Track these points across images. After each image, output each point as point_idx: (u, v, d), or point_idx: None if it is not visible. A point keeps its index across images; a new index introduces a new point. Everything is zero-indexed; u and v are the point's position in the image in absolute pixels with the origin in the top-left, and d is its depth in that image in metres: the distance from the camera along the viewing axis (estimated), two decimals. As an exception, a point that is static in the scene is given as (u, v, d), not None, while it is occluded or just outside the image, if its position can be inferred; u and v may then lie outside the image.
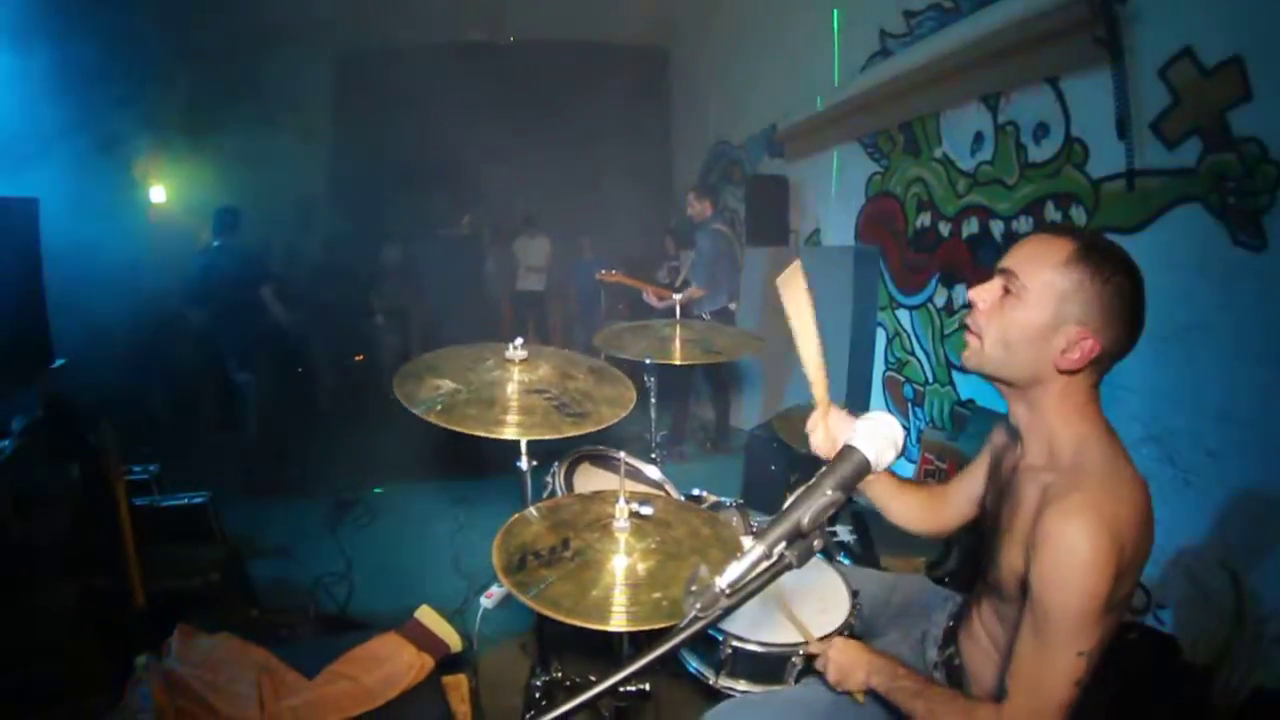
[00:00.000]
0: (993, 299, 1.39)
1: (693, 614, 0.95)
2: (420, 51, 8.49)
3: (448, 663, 2.26)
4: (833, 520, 2.81)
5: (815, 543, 1.05)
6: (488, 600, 2.44)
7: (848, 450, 1.13)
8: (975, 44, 3.89)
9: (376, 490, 4.95)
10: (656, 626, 1.44)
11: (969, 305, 1.44)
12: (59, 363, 4.07)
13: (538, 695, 2.37)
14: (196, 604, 2.86)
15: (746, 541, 0.98)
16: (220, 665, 2.03)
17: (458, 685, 2.21)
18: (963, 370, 4.16)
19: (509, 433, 1.77)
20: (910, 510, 1.85)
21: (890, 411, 3.39)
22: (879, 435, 1.14)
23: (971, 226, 4.09)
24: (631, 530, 1.66)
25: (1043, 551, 1.27)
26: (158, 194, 6.54)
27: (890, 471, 1.78)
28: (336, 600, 3.60)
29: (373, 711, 1.97)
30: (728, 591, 0.95)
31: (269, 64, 7.66)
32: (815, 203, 5.98)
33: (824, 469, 1.10)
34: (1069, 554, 1.23)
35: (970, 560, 2.63)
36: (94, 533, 3.19)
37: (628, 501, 1.67)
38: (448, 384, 1.88)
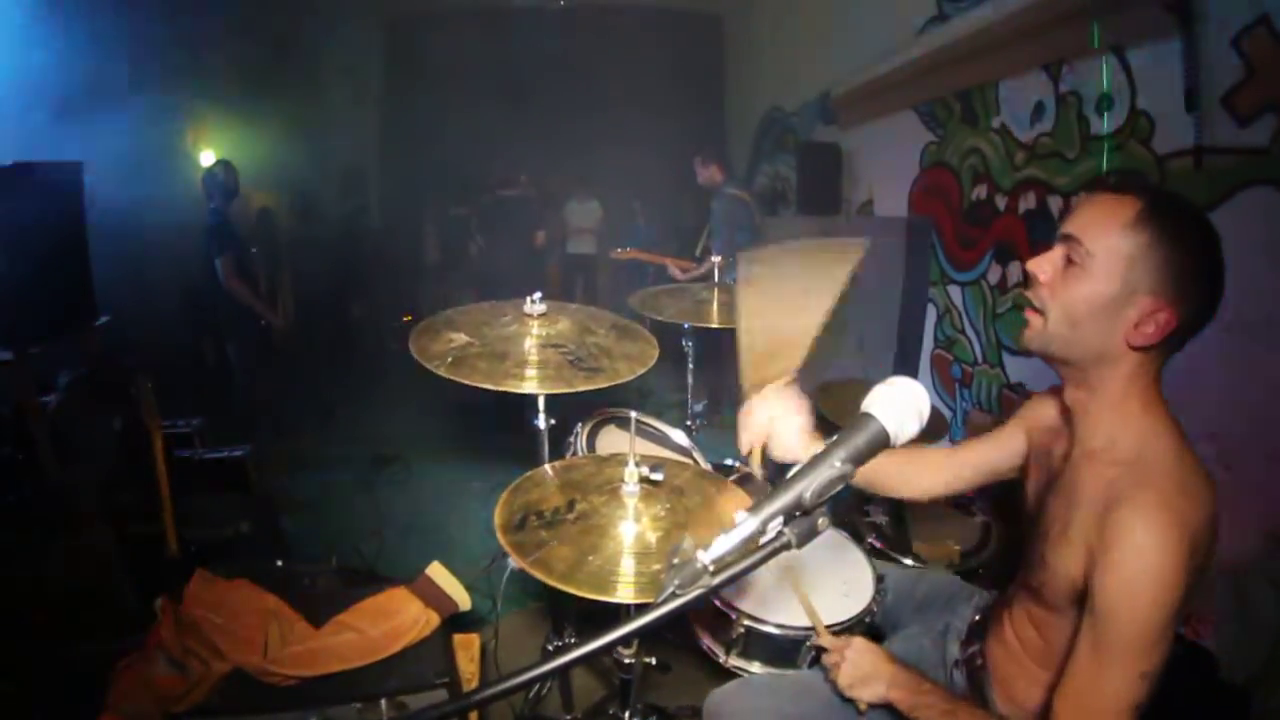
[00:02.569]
0: (1054, 270, 1.26)
1: (670, 589, 0.86)
2: (470, 16, 8.46)
3: (465, 621, 2.25)
4: (866, 500, 2.73)
5: (819, 521, 0.95)
6: (514, 561, 2.42)
7: (864, 418, 1.00)
8: (1036, 8, 3.68)
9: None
10: (648, 600, 1.38)
11: (1026, 278, 1.30)
12: (103, 319, 4.18)
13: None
14: (227, 554, 2.93)
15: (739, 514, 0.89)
16: (232, 609, 2.06)
17: (468, 644, 2.21)
18: (1014, 351, 4.01)
19: (520, 386, 1.73)
20: (879, 469, 1.67)
21: (935, 391, 3.26)
22: (900, 402, 1.01)
23: (1029, 201, 3.89)
24: (641, 496, 1.59)
25: (1111, 557, 1.14)
26: (207, 157, 6.62)
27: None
28: (365, 556, 3.63)
29: (376, 663, 1.97)
30: (711, 569, 0.86)
31: (319, 29, 7.73)
32: (868, 172, 5.78)
33: (835, 437, 0.99)
34: (1142, 560, 1.11)
35: (1007, 554, 2.51)
36: (132, 482, 3.29)
37: (638, 465, 1.60)
38: (460, 337, 1.85)
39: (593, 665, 2.67)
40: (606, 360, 1.84)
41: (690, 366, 3.15)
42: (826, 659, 1.54)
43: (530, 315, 1.95)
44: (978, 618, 1.68)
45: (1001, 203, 4.12)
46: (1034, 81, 3.80)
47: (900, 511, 2.76)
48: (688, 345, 3.06)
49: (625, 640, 0.87)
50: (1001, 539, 2.59)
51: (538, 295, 1.98)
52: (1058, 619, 1.30)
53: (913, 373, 4.86)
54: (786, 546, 0.91)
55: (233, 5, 6.04)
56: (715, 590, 0.87)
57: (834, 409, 2.85)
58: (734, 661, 1.87)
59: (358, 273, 7.86)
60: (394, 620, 2.02)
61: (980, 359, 4.33)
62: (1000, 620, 1.52)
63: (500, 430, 4.75)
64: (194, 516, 3.00)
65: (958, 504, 2.77)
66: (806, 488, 0.92)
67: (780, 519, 0.91)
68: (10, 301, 3.47)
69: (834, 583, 1.96)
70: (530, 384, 1.73)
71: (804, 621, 1.77)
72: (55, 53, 4.15)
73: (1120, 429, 1.24)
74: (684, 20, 9.04)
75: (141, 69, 4.98)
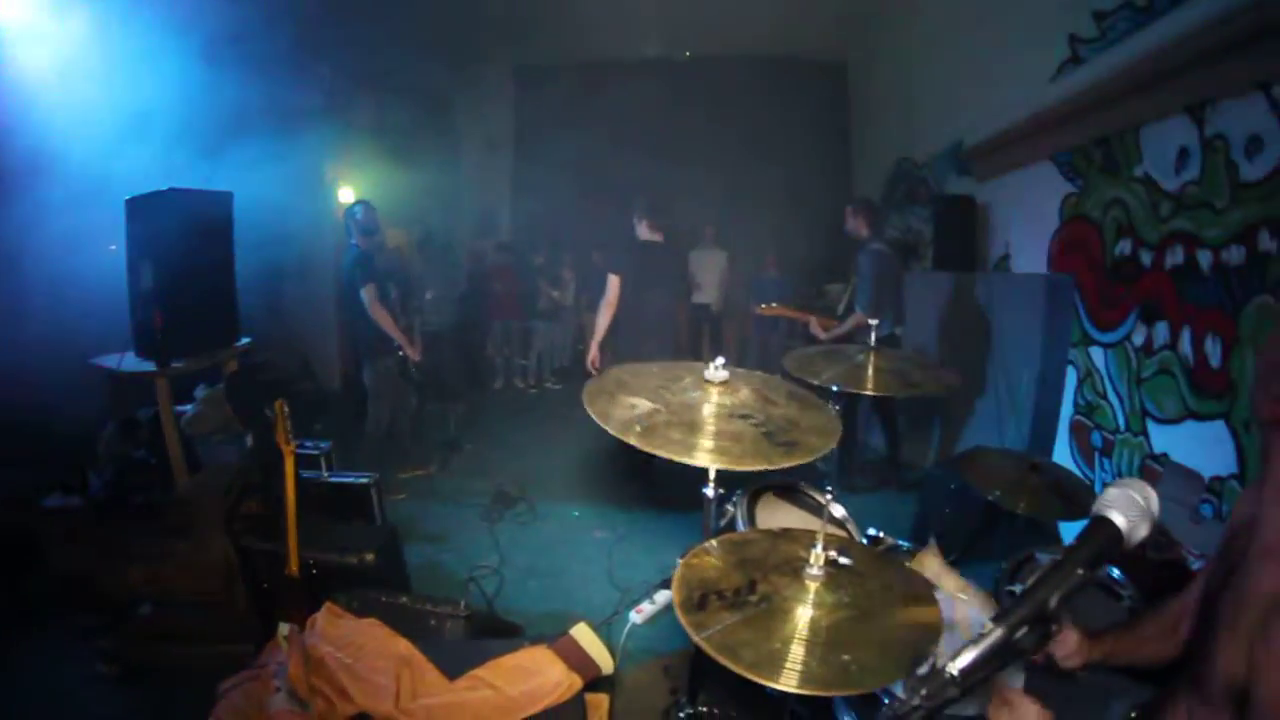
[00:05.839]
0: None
1: (917, 700, 0.85)
2: (598, 65, 8.74)
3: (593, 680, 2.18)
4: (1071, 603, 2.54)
5: (1052, 627, 0.96)
6: (638, 616, 2.36)
7: (1099, 521, 1.01)
8: (1175, 46, 3.51)
9: (574, 513, 4.84)
10: (836, 692, 1.29)
11: None
12: (245, 340, 4.36)
13: (678, 724, 2.26)
14: (348, 581, 2.94)
15: (972, 616, 0.83)
16: (362, 651, 2.05)
17: (599, 705, 2.14)
18: (1159, 419, 3.74)
19: (716, 460, 1.64)
20: (1151, 648, 1.58)
21: (1074, 460, 3.03)
22: (1132, 504, 1.01)
23: (1176, 256, 3.63)
24: (824, 579, 1.48)
25: (1273, 660, 1.06)
26: (346, 194, 6.97)
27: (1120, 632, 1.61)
28: (485, 595, 3.64)
29: (509, 724, 1.91)
30: (959, 679, 0.86)
31: (453, 77, 8.05)
32: (1005, 225, 5.58)
33: (1072, 543, 0.99)
34: None
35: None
36: (259, 498, 3.38)
37: (825, 548, 1.49)
38: (644, 403, 1.78)
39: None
40: (798, 433, 1.74)
41: None
42: (992, 712, 1.40)
43: (712, 382, 1.85)
44: (1134, 715, 1.55)
45: (1147, 258, 3.88)
46: (1177, 125, 3.60)
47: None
48: (835, 409, 2.94)
49: None
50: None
51: (721, 361, 1.89)
52: (1219, 718, 1.19)
53: (1050, 439, 4.61)
54: (1023, 653, 0.92)
55: (368, 55, 6.32)
56: (956, 701, 0.87)
57: (977, 479, 2.68)
58: None
59: (487, 312, 8.13)
60: (534, 681, 1.97)
61: (1123, 426, 4.06)
62: (1164, 715, 1.39)
63: (628, 481, 4.75)
64: (317, 539, 3.04)
65: (1106, 587, 2.55)
66: (1051, 596, 0.93)
67: (1025, 627, 0.92)
68: (157, 317, 3.67)
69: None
70: (727, 459, 1.63)
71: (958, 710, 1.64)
72: (207, 90, 4.41)
73: None
74: (809, 70, 9.08)
75: (282, 111, 5.26)
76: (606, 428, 1.71)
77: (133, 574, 3.18)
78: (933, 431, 5.79)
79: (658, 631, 2.73)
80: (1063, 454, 4.54)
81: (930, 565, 1.85)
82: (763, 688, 1.82)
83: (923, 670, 0.86)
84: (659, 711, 2.48)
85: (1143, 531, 1.02)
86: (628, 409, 1.78)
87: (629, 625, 2.41)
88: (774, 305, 5.27)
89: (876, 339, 4.17)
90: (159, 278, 3.69)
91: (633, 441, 1.66)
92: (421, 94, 7.64)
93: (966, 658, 0.86)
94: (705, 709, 2.26)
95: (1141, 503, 1.02)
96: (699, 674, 2.27)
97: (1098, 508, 1.02)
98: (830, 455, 3.07)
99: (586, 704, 2.06)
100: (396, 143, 7.02)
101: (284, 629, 2.15)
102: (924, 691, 0.85)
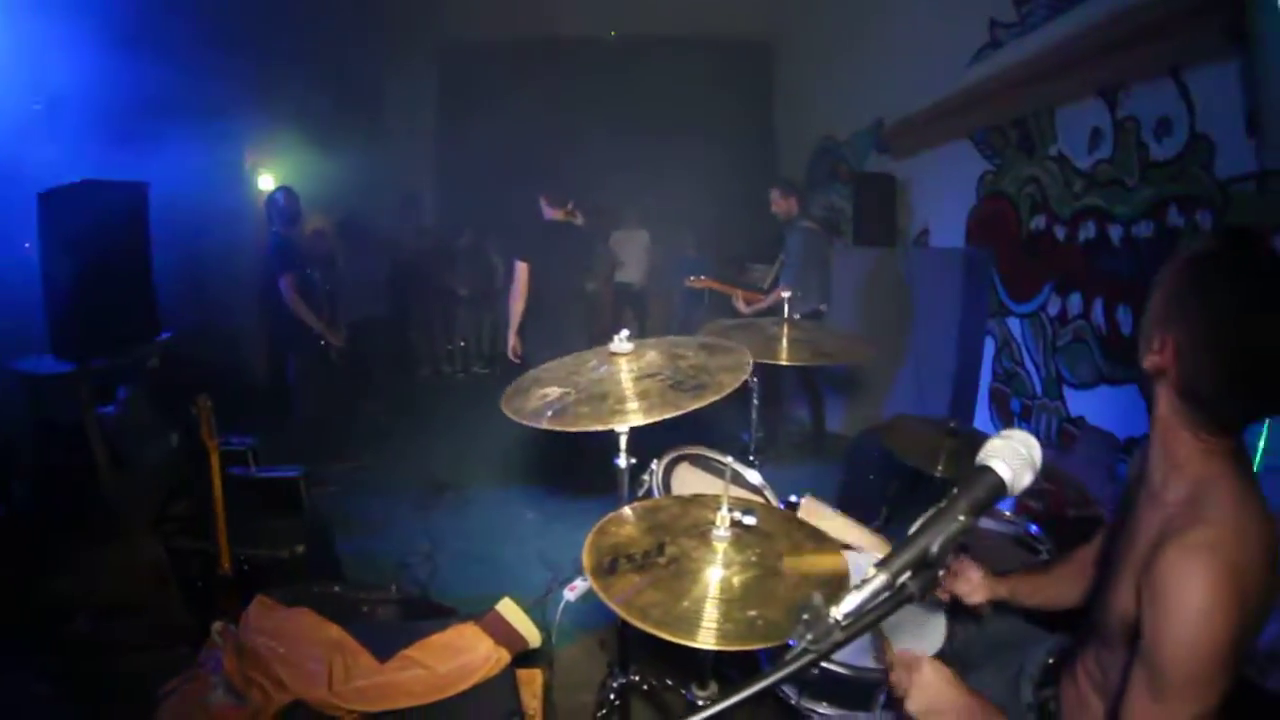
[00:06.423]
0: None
1: (803, 645, 0.86)
2: (521, 47, 8.57)
3: (523, 656, 2.21)
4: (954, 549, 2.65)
5: (940, 573, 0.97)
6: (570, 593, 2.38)
7: (982, 470, 1.02)
8: (1090, 33, 3.66)
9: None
10: (750, 647, 1.35)
11: None
12: (165, 335, 4.25)
13: (612, 696, 2.31)
14: (281, 575, 2.92)
15: (857, 564, 0.87)
16: (294, 639, 2.04)
17: (531, 680, 2.16)
18: (1074, 385, 3.93)
19: (628, 420, 1.68)
20: (1060, 589, 1.74)
21: (994, 426, 3.17)
22: (1016, 454, 1.03)
23: (1088, 230, 3.82)
24: (731, 540, 1.55)
25: (1155, 596, 1.13)
26: (266, 181, 6.79)
27: (1027, 573, 1.75)
28: (419, 581, 3.63)
29: (443, 701, 1.94)
30: (844, 623, 0.87)
31: (374, 59, 7.88)
32: (924, 202, 5.74)
33: (954, 491, 1.00)
34: (1186, 602, 1.10)
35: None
36: (187, 498, 3.31)
37: (730, 509, 1.56)
38: (554, 391, 1.82)
39: (655, 704, 2.62)
40: (707, 376, 1.80)
41: (755, 403, 3.09)
42: (894, 679, 1.46)
43: (618, 354, 1.90)
44: (1051, 660, 1.65)
45: (1061, 232, 4.05)
46: (1091, 107, 3.76)
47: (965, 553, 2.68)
48: (753, 381, 3.01)
49: (763, 693, 0.87)
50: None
51: (624, 333, 1.93)
52: (1118, 656, 1.28)
53: (970, 406, 4.77)
54: (909, 599, 0.93)
55: (291, 36, 6.16)
56: (844, 644, 0.88)
57: (898, 445, 2.78)
58: (805, 703, 1.86)
59: (411, 297, 8.00)
60: (463, 657, 1.99)
61: (1039, 392, 4.24)
62: (1073, 664, 1.49)
63: (555, 462, 4.77)
64: (247, 535, 3.00)
65: (1024, 543, 2.68)
66: (932, 542, 0.94)
67: (908, 572, 0.94)
68: (74, 314, 3.54)
69: (906, 626, 1.91)
70: (637, 416, 1.68)
71: (876, 664, 1.73)
72: (121, 77, 4.25)
73: (1172, 471, 1.25)
74: (733, 50, 9.08)
75: (203, 97, 5.09)
76: (522, 422, 1.75)
77: (63, 585, 3.09)
78: (858, 402, 5.95)
79: (592, 608, 2.75)
80: (983, 420, 4.71)
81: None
82: (692, 653, 1.89)
83: (807, 617, 0.87)
84: (595, 684, 2.52)
85: (1025, 480, 1.04)
86: (539, 400, 1.82)
87: (563, 603, 2.43)
88: (702, 278, 5.33)
89: (801, 315, 4.26)
90: (75, 274, 3.56)
91: (546, 426, 1.70)
92: (344, 77, 7.45)
93: (850, 603, 0.88)
94: (637, 678, 2.32)
95: (1024, 453, 1.03)
96: (628, 644, 2.32)
97: (981, 457, 1.04)
98: (757, 427, 3.18)
99: (519, 679, 2.08)
100: (318, 127, 6.82)
101: (217, 625, 2.14)
102: (809, 637, 0.86)
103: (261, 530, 3.16)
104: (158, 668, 2.46)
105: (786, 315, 2.80)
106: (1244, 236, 1.23)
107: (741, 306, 5.23)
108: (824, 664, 1.76)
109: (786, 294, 2.86)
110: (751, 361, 1.92)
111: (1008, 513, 2.81)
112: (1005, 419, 4.55)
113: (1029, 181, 4.35)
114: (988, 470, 1.02)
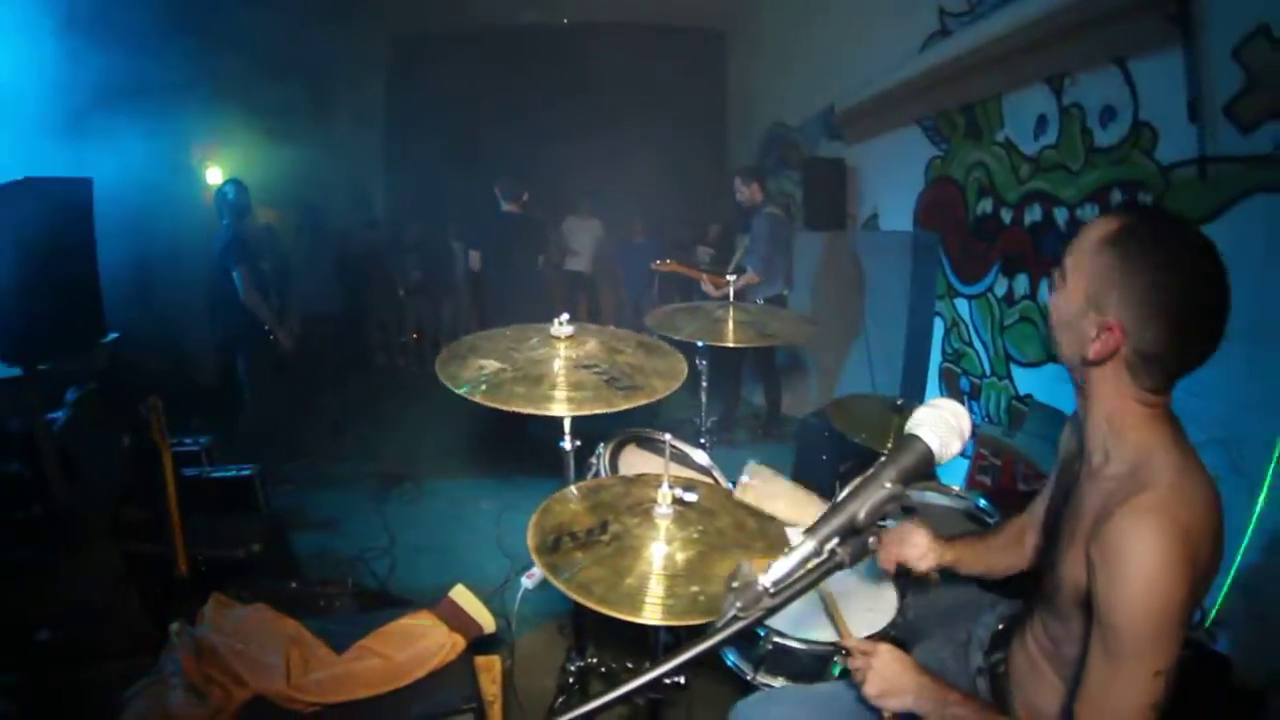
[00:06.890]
0: (1058, 280, 1.32)
1: (732, 613, 0.88)
2: (473, 33, 8.48)
3: (482, 643, 2.23)
4: (882, 516, 2.72)
5: (870, 540, 0.99)
6: (528, 581, 2.40)
7: (909, 439, 1.05)
8: (1038, 22, 3.72)
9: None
10: (690, 622, 1.37)
11: None
12: (112, 336, 4.15)
13: (571, 680, 2.34)
14: (238, 574, 2.89)
15: (794, 535, 0.90)
16: (251, 635, 2.04)
17: (490, 666, 2.18)
18: (1022, 363, 4.01)
19: (558, 409, 1.71)
20: (998, 557, 1.76)
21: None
22: (943, 423, 1.05)
23: (1034, 214, 3.90)
24: (673, 518, 1.58)
25: (1107, 561, 1.16)
26: (214, 175, 6.63)
27: (970, 539, 1.76)
28: (378, 575, 3.62)
29: (401, 689, 1.95)
30: (771, 590, 0.89)
31: (325, 46, 7.72)
32: (874, 187, 5.79)
33: (882, 459, 1.03)
34: (1137, 562, 1.12)
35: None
36: (141, 500, 3.26)
37: (671, 486, 1.59)
38: (491, 363, 1.83)
39: (614, 685, 2.65)
40: (641, 377, 1.83)
41: (704, 385, 3.13)
42: (852, 665, 1.50)
43: (558, 337, 1.93)
44: (1000, 626, 1.68)
45: (1007, 216, 4.13)
46: (1037, 95, 3.83)
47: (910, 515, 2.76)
48: (701, 364, 3.05)
49: (695, 661, 0.88)
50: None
51: (565, 317, 1.96)
52: (1070, 626, 1.31)
53: (921, 386, 4.86)
54: (840, 565, 0.95)
55: (237, 25, 6.03)
56: (774, 611, 0.90)
57: (846, 424, 2.85)
58: (761, 678, 1.89)
59: (364, 290, 7.87)
60: (419, 645, 2.00)
61: (988, 371, 4.33)
62: (1022, 629, 1.53)
63: (508, 450, 4.78)
64: (203, 536, 2.97)
65: (974, 517, 2.76)
66: (860, 508, 0.96)
67: (836, 539, 0.95)
68: (19, 317, 3.45)
69: (858, 598, 1.96)
70: (569, 406, 1.71)
71: (829, 637, 1.78)
72: (61, 66, 4.13)
73: (1115, 444, 1.27)
74: (687, 37, 9.03)
75: (147, 88, 4.96)
76: (453, 387, 1.76)
77: (19, 598, 3.03)
78: (810, 384, 6.03)
79: (550, 595, 2.78)
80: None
81: (749, 495, 1.94)
82: (646, 635, 1.93)
83: (736, 585, 0.89)
84: (556, 669, 2.55)
85: (954, 448, 1.05)
86: (475, 370, 1.83)
87: (521, 590, 2.45)
88: (668, 262, 5.35)
89: (765, 299, 4.30)
90: (18, 276, 3.47)
91: (477, 398, 1.72)
92: (293, 67, 7.31)
93: (778, 570, 0.89)
94: (595, 660, 2.35)
95: (952, 422, 1.05)
96: (584, 628, 2.35)
97: (909, 426, 1.05)
98: (709, 410, 3.23)
99: (477, 666, 2.10)
100: (267, 118, 6.67)
101: (175, 626, 2.12)
102: (738, 604, 0.87)
103: (218, 530, 3.14)
104: (121, 674, 2.44)
105: (732, 298, 2.85)
106: (1141, 209, 1.27)
107: (710, 290, 5.28)
108: (778, 639, 1.81)
109: (755, 279, 2.92)
110: (686, 373, 1.96)
111: (957, 487, 2.87)
112: (955, 397, 4.61)
113: (976, 166, 4.42)
114: (915, 439, 1.04)
